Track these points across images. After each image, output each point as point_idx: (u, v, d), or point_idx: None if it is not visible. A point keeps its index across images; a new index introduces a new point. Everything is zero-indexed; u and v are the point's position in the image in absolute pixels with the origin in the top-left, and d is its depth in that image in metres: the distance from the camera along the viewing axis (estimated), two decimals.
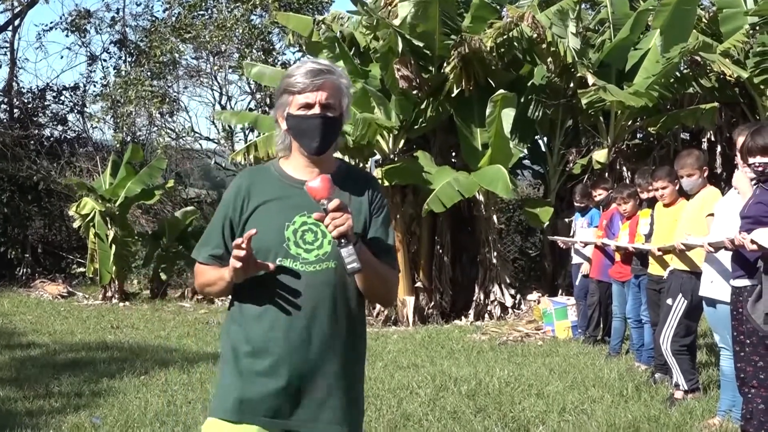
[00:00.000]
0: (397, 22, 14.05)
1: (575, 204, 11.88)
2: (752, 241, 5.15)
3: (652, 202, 9.02)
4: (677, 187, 8.03)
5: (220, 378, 3.32)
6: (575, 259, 11.71)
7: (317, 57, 15.12)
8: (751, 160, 5.44)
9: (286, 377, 3.16)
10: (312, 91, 3.16)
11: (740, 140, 5.89)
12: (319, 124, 3.17)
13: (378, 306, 14.90)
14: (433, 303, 14.84)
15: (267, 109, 21.40)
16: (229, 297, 3.34)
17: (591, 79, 13.24)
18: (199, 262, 3.32)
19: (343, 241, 3.00)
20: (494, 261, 14.48)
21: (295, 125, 3.21)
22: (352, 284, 3.22)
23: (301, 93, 3.17)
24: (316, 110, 3.17)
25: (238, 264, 3.04)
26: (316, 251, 3.18)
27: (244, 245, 3.01)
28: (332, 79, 3.20)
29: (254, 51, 21.59)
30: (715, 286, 6.39)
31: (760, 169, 5.41)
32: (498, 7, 14.91)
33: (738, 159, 6.10)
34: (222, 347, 3.37)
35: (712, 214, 6.65)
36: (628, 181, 12.89)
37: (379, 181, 14.23)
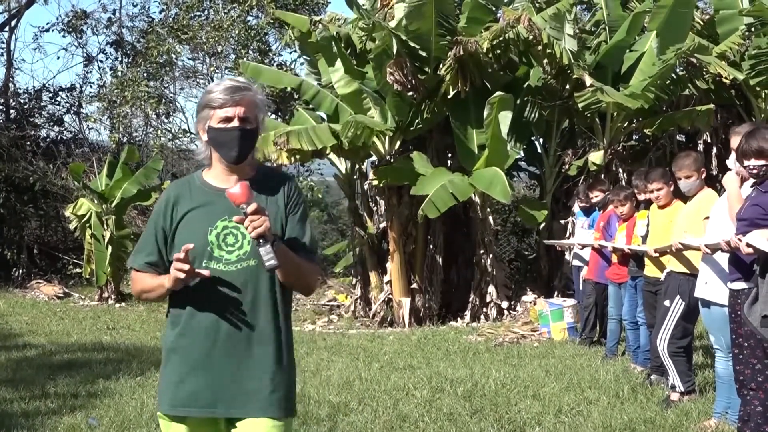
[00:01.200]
0: (393, 23, 14.05)
1: (578, 204, 11.87)
2: (747, 244, 5.15)
3: (649, 204, 9.03)
4: (672, 189, 8.05)
5: (160, 375, 3.66)
6: (575, 262, 11.71)
7: (314, 57, 15.18)
8: (745, 163, 5.45)
9: (215, 370, 3.47)
10: (231, 106, 3.47)
11: (734, 139, 5.90)
12: (237, 135, 3.48)
13: (374, 307, 14.95)
14: (428, 304, 14.84)
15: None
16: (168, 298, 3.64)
17: (588, 81, 13.25)
18: (134, 269, 3.62)
19: (261, 240, 3.31)
20: (490, 262, 14.47)
21: (215, 137, 3.51)
22: (274, 278, 3.50)
23: (221, 108, 3.48)
24: (235, 123, 3.48)
25: (182, 275, 3.34)
26: (237, 251, 3.49)
27: (182, 257, 3.33)
28: (249, 95, 3.52)
29: (250, 52, 21.59)
30: (709, 287, 6.39)
31: (754, 171, 5.43)
32: (493, 8, 14.89)
33: (729, 159, 6.12)
34: (163, 348, 3.66)
35: (709, 217, 6.65)
36: (624, 183, 12.90)
37: (374, 181, 14.25)
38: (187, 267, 3.33)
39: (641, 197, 9.18)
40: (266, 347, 3.50)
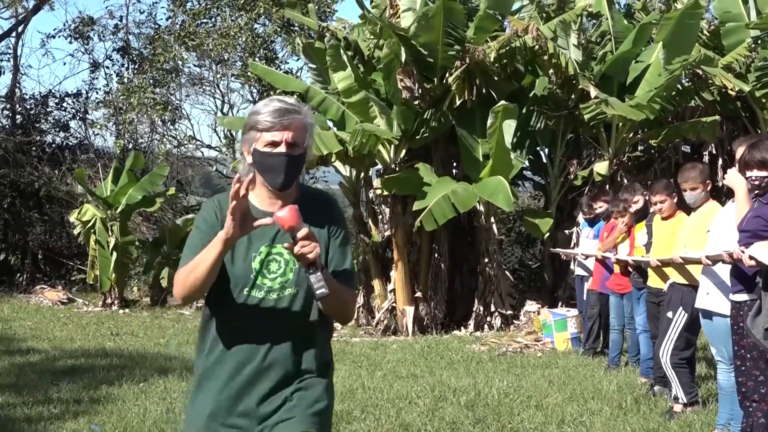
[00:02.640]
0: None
1: (583, 215, 11.87)
2: (750, 257, 5.14)
3: (643, 216, 9.11)
4: (675, 200, 8.05)
5: (190, 404, 3.49)
6: (578, 272, 11.70)
7: (321, 64, 15.18)
8: (748, 174, 5.45)
9: (253, 399, 3.34)
10: (279, 130, 3.27)
11: (740, 151, 5.88)
12: (284, 161, 3.29)
13: (378, 315, 14.95)
14: (432, 313, 14.83)
15: None
16: (199, 330, 3.49)
17: (593, 92, 13.26)
18: (182, 268, 3.35)
19: (311, 269, 3.13)
20: (494, 272, 14.47)
21: (260, 161, 3.31)
22: (315, 306, 3.35)
23: (268, 131, 3.28)
24: (282, 148, 3.28)
25: (234, 203, 3.10)
26: (279, 279, 3.34)
27: (243, 189, 3.11)
28: (299, 119, 3.31)
29: (257, 59, 21.62)
30: (711, 298, 6.38)
31: (756, 182, 5.42)
32: (500, 17, 14.91)
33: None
34: (194, 373, 3.51)
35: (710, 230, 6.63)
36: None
37: (379, 190, 14.26)
38: (241, 188, 3.09)
39: (632, 209, 9.32)
40: (308, 376, 3.37)
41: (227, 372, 3.35)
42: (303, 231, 3.11)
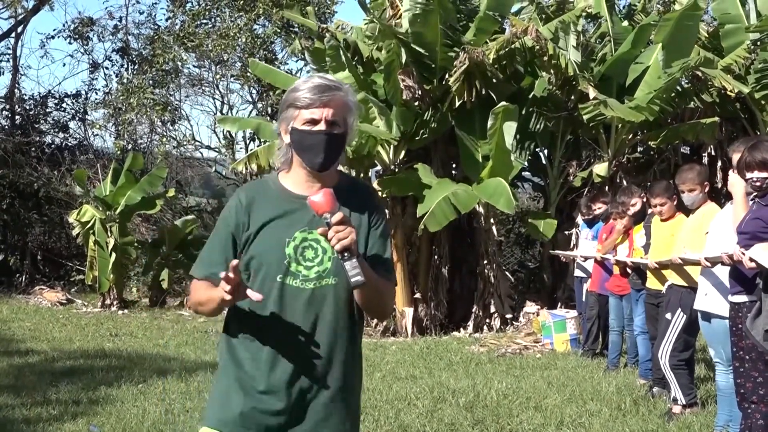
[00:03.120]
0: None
1: (582, 216, 11.87)
2: (750, 259, 5.13)
3: (641, 217, 9.12)
4: (675, 202, 8.05)
5: (217, 388, 3.31)
6: (578, 273, 11.70)
7: (320, 65, 15.17)
8: (748, 175, 5.43)
9: (287, 395, 3.17)
10: (318, 107, 3.13)
11: (735, 156, 5.88)
12: (323, 140, 3.14)
13: None
14: (432, 314, 14.83)
15: (269, 118, 21.40)
16: (227, 311, 3.29)
17: (592, 93, 13.27)
18: (197, 278, 3.27)
19: (346, 254, 2.98)
20: (493, 273, 14.47)
21: (299, 140, 3.17)
22: (352, 299, 3.21)
23: (307, 108, 3.14)
24: (322, 126, 3.14)
25: (228, 297, 3.01)
26: (316, 268, 3.18)
27: (231, 276, 2.97)
28: (339, 96, 3.16)
29: (257, 60, 21.61)
30: (709, 299, 6.38)
31: (758, 184, 5.41)
32: (500, 18, 14.90)
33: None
34: (221, 358, 3.35)
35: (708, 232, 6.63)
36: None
37: (379, 192, 14.26)
38: (229, 287, 2.96)
39: (630, 211, 9.33)
40: (341, 372, 3.23)
41: (257, 363, 3.19)
42: (337, 216, 2.98)
